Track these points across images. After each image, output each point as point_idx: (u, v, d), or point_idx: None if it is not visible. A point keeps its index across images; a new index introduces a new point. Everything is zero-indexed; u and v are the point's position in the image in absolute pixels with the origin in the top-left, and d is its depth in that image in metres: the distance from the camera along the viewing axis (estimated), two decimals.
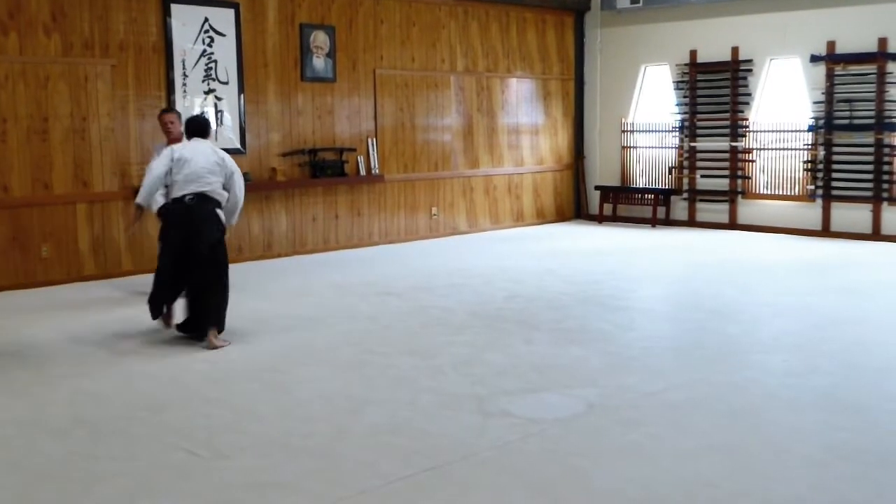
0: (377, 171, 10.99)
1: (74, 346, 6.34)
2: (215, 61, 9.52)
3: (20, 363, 5.93)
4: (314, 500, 3.79)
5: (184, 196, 6.42)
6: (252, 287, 8.43)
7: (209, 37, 9.47)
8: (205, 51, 9.44)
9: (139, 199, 6.52)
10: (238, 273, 9.15)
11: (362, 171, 10.83)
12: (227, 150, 9.46)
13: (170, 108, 8.49)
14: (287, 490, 3.89)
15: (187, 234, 6.40)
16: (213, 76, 9.53)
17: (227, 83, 9.64)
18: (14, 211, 8.29)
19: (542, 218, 13.25)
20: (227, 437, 4.54)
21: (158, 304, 6.55)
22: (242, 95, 9.77)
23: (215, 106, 9.56)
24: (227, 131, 9.67)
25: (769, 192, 12.15)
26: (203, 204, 6.44)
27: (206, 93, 9.49)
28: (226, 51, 9.60)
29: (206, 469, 4.14)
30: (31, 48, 8.33)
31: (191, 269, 6.43)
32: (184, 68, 9.29)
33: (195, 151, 6.53)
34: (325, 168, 10.35)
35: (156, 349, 6.26)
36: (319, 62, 10.42)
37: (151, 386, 5.41)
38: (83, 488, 3.93)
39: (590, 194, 13.71)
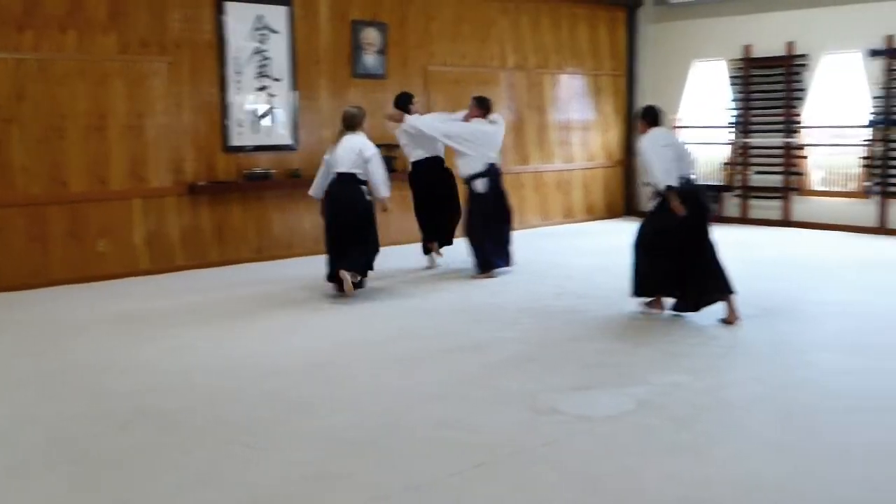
0: None
1: (135, 338, 6.46)
2: (269, 58, 9.62)
3: (79, 356, 6.06)
4: (367, 492, 3.82)
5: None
6: (303, 281, 8.50)
7: (262, 34, 9.56)
8: (258, 48, 9.54)
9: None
10: (290, 268, 9.26)
11: None
12: (279, 147, 9.71)
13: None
14: (340, 483, 3.93)
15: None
16: (267, 73, 9.62)
17: (279, 80, 9.73)
18: (72, 206, 8.45)
19: (591, 214, 13.19)
20: (281, 430, 4.59)
21: None
22: (295, 92, 9.85)
23: (268, 103, 9.66)
24: (279, 127, 9.76)
25: (824, 189, 11.97)
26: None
27: (260, 89, 9.59)
28: (279, 48, 9.69)
29: (261, 461, 4.19)
30: (90, 46, 8.48)
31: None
32: (238, 65, 9.40)
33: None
34: None
35: (213, 343, 6.34)
36: (371, 59, 10.47)
37: (208, 379, 5.49)
38: (142, 480, 4.00)
39: (641, 191, 13.61)
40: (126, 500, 3.80)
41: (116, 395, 5.21)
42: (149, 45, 8.84)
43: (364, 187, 7.73)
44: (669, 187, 6.71)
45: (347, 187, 7.67)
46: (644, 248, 6.95)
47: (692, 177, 7.05)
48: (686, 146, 7.43)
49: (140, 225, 8.87)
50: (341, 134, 7.85)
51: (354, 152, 7.64)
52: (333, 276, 7.69)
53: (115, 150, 8.69)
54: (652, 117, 7.20)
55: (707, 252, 6.77)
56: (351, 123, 7.81)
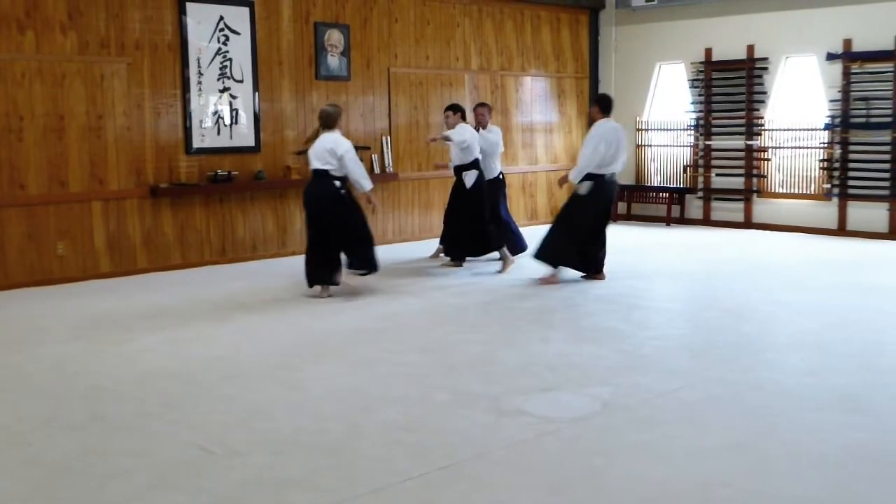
0: (391, 169, 10.99)
1: (89, 343, 6.37)
2: (230, 59, 9.54)
3: (36, 359, 5.97)
4: (328, 497, 3.79)
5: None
6: (266, 284, 8.44)
7: (224, 35, 9.49)
8: (220, 49, 9.46)
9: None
10: (252, 270, 9.20)
11: (376, 170, 10.83)
12: (242, 149, 9.64)
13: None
14: (300, 487, 3.90)
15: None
16: (229, 74, 9.55)
17: (241, 81, 9.66)
18: (30, 209, 8.33)
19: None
20: (240, 435, 4.54)
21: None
22: (257, 94, 9.79)
23: (230, 104, 9.58)
24: (242, 129, 9.69)
25: (785, 191, 12.10)
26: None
27: (222, 91, 9.51)
28: (241, 49, 9.61)
29: (219, 466, 4.14)
30: (48, 46, 8.37)
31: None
32: (199, 66, 9.32)
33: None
34: None
35: (172, 346, 6.28)
36: (334, 60, 10.43)
37: (165, 383, 5.42)
38: (99, 484, 3.95)
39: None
40: None
41: (73, 398, 5.13)
42: (108, 45, 8.73)
43: (338, 182, 7.75)
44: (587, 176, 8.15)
45: (320, 184, 7.75)
46: (569, 226, 8.26)
47: (616, 173, 8.33)
48: (624, 143, 8.34)
49: (100, 228, 8.76)
50: (317, 132, 7.91)
51: (327, 150, 7.71)
52: (317, 281, 7.84)
53: (75, 151, 8.58)
54: (605, 105, 8.31)
55: (603, 234, 8.44)
56: (327, 122, 7.84)
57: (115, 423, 4.74)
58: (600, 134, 8.11)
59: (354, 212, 7.88)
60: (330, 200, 7.73)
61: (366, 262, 7.95)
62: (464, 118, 9.19)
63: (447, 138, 9.02)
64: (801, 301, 7.60)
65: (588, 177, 8.18)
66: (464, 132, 9.02)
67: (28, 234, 8.34)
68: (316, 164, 7.76)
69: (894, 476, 3.96)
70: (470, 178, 9.09)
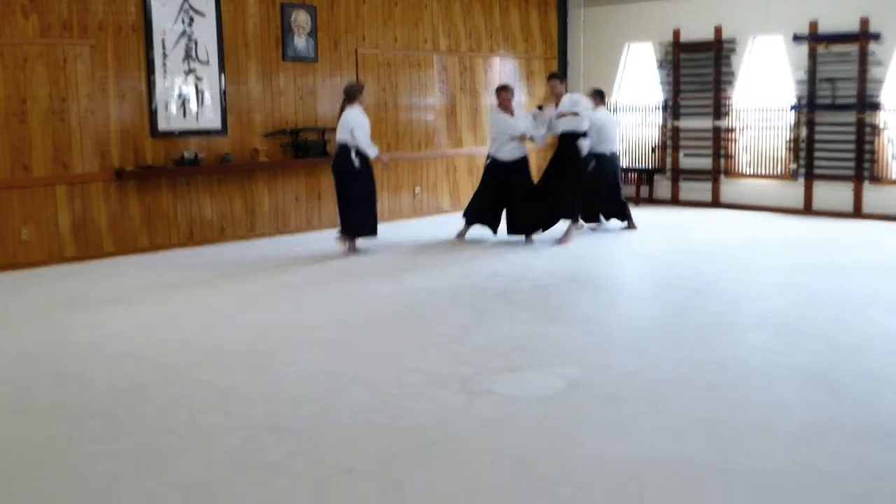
0: None
1: (55, 329, 6.31)
2: (195, 41, 9.44)
3: (5, 347, 5.90)
4: (299, 479, 3.79)
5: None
6: (235, 267, 8.40)
7: (189, 16, 9.38)
8: (184, 31, 9.35)
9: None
10: (221, 253, 9.15)
11: None
12: (208, 131, 9.56)
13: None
14: (272, 470, 3.89)
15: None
16: (194, 56, 9.45)
17: (207, 63, 9.56)
18: None
19: None
20: (209, 418, 4.53)
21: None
22: (223, 76, 9.69)
23: (196, 86, 9.48)
24: (208, 111, 9.60)
25: (752, 172, 12.20)
26: None
27: (187, 73, 9.41)
28: (206, 30, 9.51)
29: (189, 450, 4.13)
30: (9, 29, 8.23)
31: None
32: (164, 48, 9.21)
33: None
34: (307, 148, 10.30)
35: (139, 331, 6.23)
36: (301, 42, 10.35)
37: (133, 368, 5.39)
38: (67, 471, 3.92)
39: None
40: (50, 494, 3.72)
41: (39, 384, 5.09)
42: (71, 27, 8.61)
43: (353, 154, 8.77)
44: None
45: (339, 157, 8.89)
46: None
47: (615, 149, 10.33)
48: (615, 124, 10.37)
49: (65, 212, 8.66)
50: (342, 107, 8.97)
51: (344, 124, 8.80)
52: (342, 233, 9.11)
53: (38, 135, 8.46)
54: (603, 97, 10.38)
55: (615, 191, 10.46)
56: (347, 97, 8.91)
57: (83, 409, 4.70)
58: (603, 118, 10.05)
59: (364, 185, 8.88)
60: (345, 171, 8.84)
61: (363, 229, 9.05)
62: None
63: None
64: (767, 280, 7.68)
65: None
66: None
67: None
68: (338, 136, 8.87)
69: (857, 451, 4.03)
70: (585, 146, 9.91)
